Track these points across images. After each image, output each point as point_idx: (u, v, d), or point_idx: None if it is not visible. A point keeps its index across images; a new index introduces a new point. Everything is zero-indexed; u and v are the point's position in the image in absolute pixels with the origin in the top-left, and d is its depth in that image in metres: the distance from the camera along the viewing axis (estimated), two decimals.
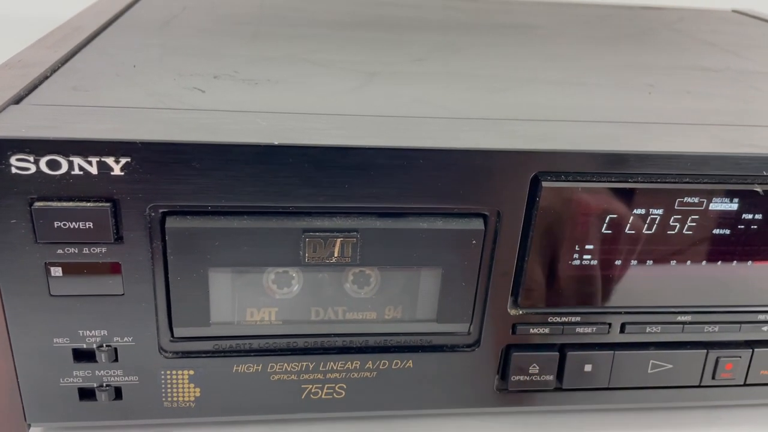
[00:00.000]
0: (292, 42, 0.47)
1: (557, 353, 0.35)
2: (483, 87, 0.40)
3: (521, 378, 0.35)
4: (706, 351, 0.37)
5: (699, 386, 0.37)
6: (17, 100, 0.32)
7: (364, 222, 0.31)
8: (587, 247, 0.33)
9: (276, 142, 0.29)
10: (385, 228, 0.31)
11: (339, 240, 0.30)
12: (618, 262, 0.33)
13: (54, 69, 0.37)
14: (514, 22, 0.61)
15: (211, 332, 0.32)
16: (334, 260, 0.31)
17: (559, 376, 0.36)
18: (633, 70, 0.46)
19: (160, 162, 0.28)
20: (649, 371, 0.36)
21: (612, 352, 0.36)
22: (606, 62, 0.48)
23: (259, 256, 0.31)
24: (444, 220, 0.31)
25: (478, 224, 0.31)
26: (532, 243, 0.32)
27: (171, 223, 0.29)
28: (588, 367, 0.36)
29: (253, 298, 0.32)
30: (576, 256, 0.33)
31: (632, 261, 0.34)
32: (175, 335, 0.32)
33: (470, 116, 0.34)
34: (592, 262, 0.33)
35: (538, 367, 0.35)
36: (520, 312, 0.34)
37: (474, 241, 0.31)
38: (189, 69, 0.39)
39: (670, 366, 0.37)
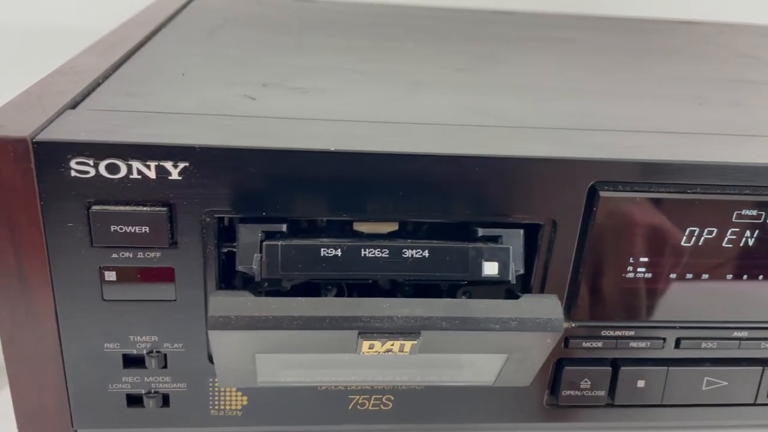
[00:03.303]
0: (334, 52, 0.47)
1: (610, 368, 0.34)
2: (529, 97, 0.39)
3: (572, 393, 0.35)
4: (762, 368, 0.36)
5: (754, 404, 0.36)
6: (73, 105, 0.32)
7: (427, 322, 0.28)
8: (643, 259, 0.32)
9: (332, 149, 0.29)
10: (451, 330, 0.28)
11: (399, 342, 0.28)
12: (673, 275, 0.33)
13: (105, 76, 0.37)
14: (552, 35, 0.61)
15: (258, 386, 0.31)
16: (392, 355, 0.29)
17: (611, 391, 0.35)
18: (678, 81, 0.46)
19: (217, 167, 0.28)
20: (704, 388, 0.35)
21: (666, 368, 0.35)
22: (649, 74, 0.48)
23: (311, 350, 0.29)
24: (519, 318, 0.28)
25: (557, 324, 0.28)
26: (588, 254, 0.32)
27: (214, 326, 0.27)
28: (641, 383, 0.35)
29: (303, 363, 0.31)
30: (631, 268, 0.32)
31: (688, 274, 0.33)
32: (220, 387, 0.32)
33: (522, 125, 0.34)
34: (648, 275, 0.32)
35: (590, 382, 0.34)
36: (573, 325, 0.33)
37: (549, 341, 0.29)
38: (237, 78, 0.39)
39: (725, 383, 0.36)
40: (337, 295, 0.33)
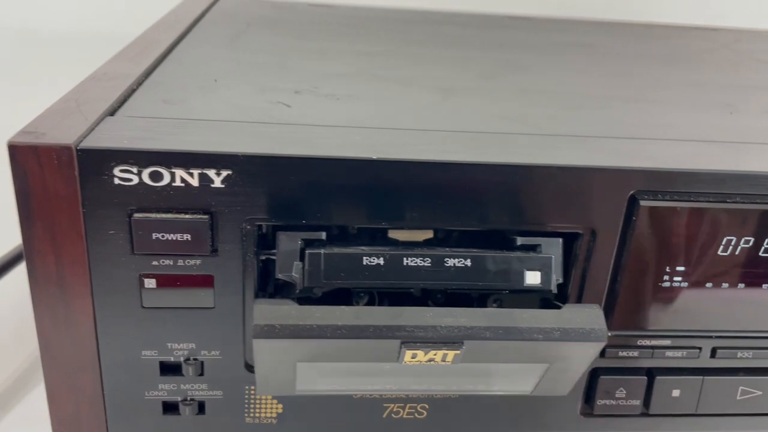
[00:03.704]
0: (360, 58, 0.47)
1: (645, 377, 0.34)
2: (559, 104, 0.39)
3: (607, 402, 0.34)
4: None
5: None
6: (111, 111, 0.32)
7: (470, 331, 0.28)
8: (681, 268, 0.32)
9: (375, 157, 0.29)
10: (495, 340, 0.28)
11: (442, 351, 0.28)
12: (711, 285, 0.33)
13: (139, 82, 0.37)
14: (572, 41, 0.61)
15: (296, 393, 0.31)
16: (434, 364, 0.28)
17: (646, 401, 0.35)
18: (704, 88, 0.46)
19: (259, 175, 0.28)
20: (738, 398, 0.35)
21: (701, 377, 0.35)
22: (675, 80, 0.48)
23: (353, 359, 0.29)
24: (562, 328, 0.28)
25: (601, 334, 0.28)
26: (626, 263, 0.32)
27: (259, 334, 0.27)
28: (676, 392, 0.35)
29: (341, 372, 0.31)
30: (669, 277, 0.32)
31: (725, 283, 0.33)
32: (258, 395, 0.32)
33: (557, 133, 0.34)
34: (685, 284, 0.32)
35: (625, 391, 0.34)
36: (610, 334, 0.33)
37: (592, 351, 0.29)
38: (269, 84, 0.39)
39: (760, 393, 0.35)
40: (368, 303, 0.32)
